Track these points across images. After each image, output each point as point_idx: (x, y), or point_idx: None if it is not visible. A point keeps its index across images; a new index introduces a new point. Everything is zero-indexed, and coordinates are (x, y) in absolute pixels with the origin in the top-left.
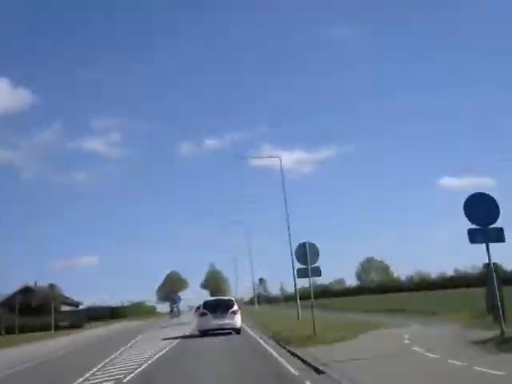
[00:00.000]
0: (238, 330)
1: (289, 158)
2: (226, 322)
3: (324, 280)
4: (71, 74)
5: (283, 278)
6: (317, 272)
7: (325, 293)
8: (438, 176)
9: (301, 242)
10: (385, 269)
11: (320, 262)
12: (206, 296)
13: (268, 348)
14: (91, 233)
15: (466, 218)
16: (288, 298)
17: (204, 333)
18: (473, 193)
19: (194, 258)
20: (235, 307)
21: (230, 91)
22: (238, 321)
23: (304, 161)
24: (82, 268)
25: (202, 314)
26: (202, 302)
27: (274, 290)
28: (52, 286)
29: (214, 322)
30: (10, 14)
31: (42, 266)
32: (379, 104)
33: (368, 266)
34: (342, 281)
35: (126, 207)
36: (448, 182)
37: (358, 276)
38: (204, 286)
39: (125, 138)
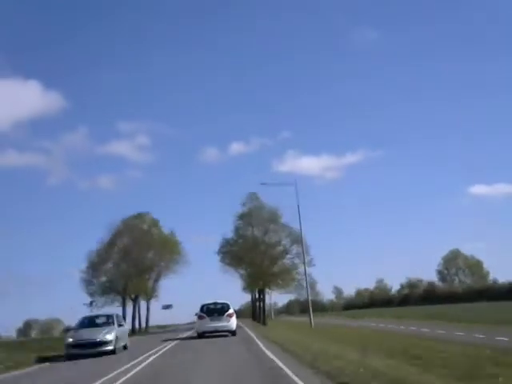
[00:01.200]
0: (233, 332)
1: (316, 163)
2: (222, 324)
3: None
4: (99, 78)
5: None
6: None
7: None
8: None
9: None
10: (476, 266)
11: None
12: None
13: None
14: None
15: None
16: (348, 306)
17: (201, 335)
18: None
19: None
20: (231, 311)
21: (256, 95)
22: (233, 323)
23: (331, 166)
24: None
25: (200, 317)
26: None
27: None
28: None
29: (211, 324)
30: (40, 16)
31: (65, 272)
32: (408, 108)
33: (454, 261)
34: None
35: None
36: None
37: (442, 276)
38: None
39: (151, 142)
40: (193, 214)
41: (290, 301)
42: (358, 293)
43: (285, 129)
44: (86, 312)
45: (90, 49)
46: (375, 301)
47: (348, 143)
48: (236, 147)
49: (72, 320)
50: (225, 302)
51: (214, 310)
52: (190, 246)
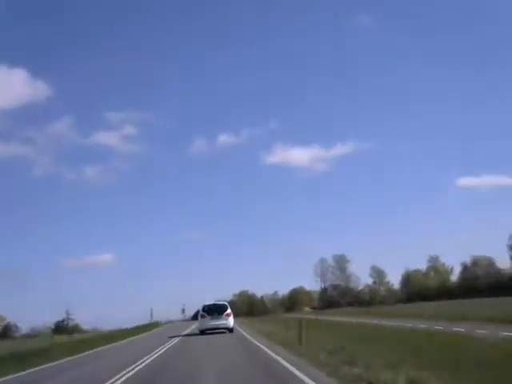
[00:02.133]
0: (231, 330)
1: (304, 154)
2: (221, 322)
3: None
4: (87, 67)
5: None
6: None
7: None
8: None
9: None
10: None
11: None
12: None
13: None
14: (104, 231)
15: None
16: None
17: (203, 331)
18: None
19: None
20: (228, 310)
21: (244, 86)
22: (231, 322)
23: (320, 158)
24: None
25: (202, 316)
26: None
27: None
28: None
29: (211, 322)
30: (27, 3)
31: (53, 264)
32: (398, 99)
33: None
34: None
35: (138, 204)
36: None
37: None
38: None
39: (139, 132)
40: (181, 207)
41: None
42: (410, 276)
43: (273, 119)
44: None
45: (77, 38)
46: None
47: (338, 134)
48: (225, 138)
49: None
50: (224, 302)
51: (214, 310)
52: (177, 240)
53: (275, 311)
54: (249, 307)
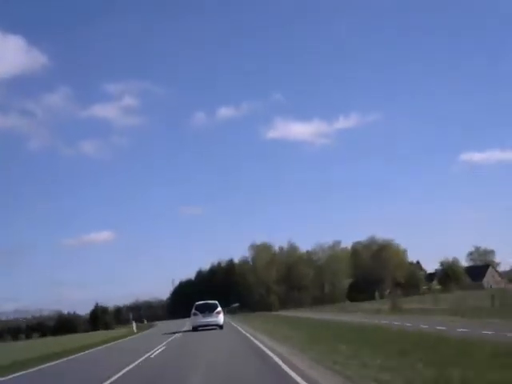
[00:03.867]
0: (221, 326)
1: (306, 128)
2: (212, 319)
3: None
4: (86, 35)
5: None
6: None
7: None
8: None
9: None
10: None
11: None
12: None
13: None
14: (103, 208)
15: None
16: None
17: (195, 328)
18: None
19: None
20: (219, 309)
21: (246, 58)
22: (221, 319)
23: (322, 131)
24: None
25: (194, 314)
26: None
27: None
28: None
29: (203, 319)
30: None
31: (51, 242)
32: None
33: None
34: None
35: (135, 179)
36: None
37: None
38: None
39: (139, 103)
40: (180, 182)
41: None
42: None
43: (274, 93)
44: None
45: (77, 4)
46: None
47: (340, 106)
48: (225, 111)
49: None
50: (214, 301)
51: (206, 308)
52: (176, 216)
53: None
54: None
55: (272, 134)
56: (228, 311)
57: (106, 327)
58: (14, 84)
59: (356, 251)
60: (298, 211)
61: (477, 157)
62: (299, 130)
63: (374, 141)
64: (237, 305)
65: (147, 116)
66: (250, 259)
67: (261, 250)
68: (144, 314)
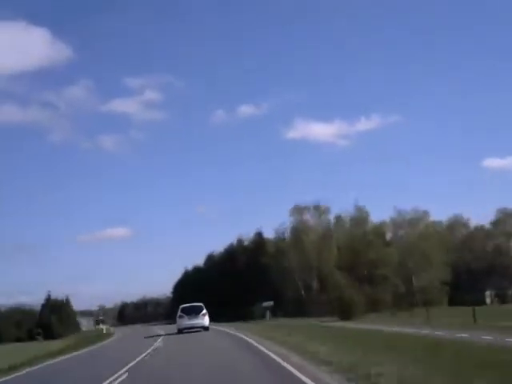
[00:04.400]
0: (206, 328)
1: (326, 129)
2: (198, 321)
3: None
4: (110, 28)
5: None
6: None
7: None
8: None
9: None
10: None
11: None
12: None
13: None
14: (119, 203)
15: None
16: None
17: (181, 331)
18: None
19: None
20: (204, 311)
21: (270, 56)
22: (206, 321)
23: (343, 132)
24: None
25: (180, 316)
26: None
27: None
28: None
29: (188, 322)
30: None
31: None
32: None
33: None
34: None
35: (153, 176)
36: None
37: None
38: None
39: (159, 98)
40: (198, 180)
41: None
42: None
43: (296, 91)
44: None
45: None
46: None
47: (362, 107)
48: (245, 109)
49: None
50: (200, 304)
51: (192, 310)
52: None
53: None
54: None
55: (292, 134)
56: (254, 314)
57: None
58: (37, 76)
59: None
60: None
61: (499, 162)
62: (320, 130)
63: (395, 143)
64: (269, 304)
65: (167, 111)
66: (290, 232)
67: (312, 215)
68: (149, 312)
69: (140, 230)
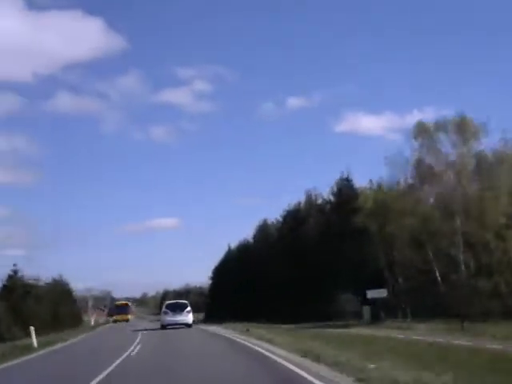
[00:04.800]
0: (190, 325)
1: (377, 122)
2: (181, 318)
3: None
4: (162, 18)
5: None
6: None
7: None
8: None
9: None
10: None
11: None
12: None
13: None
14: (169, 194)
15: None
16: None
17: (164, 327)
18: None
19: None
20: (189, 308)
21: (321, 48)
22: (190, 318)
23: (394, 126)
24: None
25: (165, 313)
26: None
27: None
28: None
29: (172, 318)
30: None
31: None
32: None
33: None
34: None
35: (204, 166)
36: None
37: None
38: None
39: (209, 90)
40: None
41: None
42: None
43: (346, 83)
44: None
45: None
46: None
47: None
48: (294, 102)
49: None
50: (185, 301)
51: (177, 307)
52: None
53: None
54: None
55: (341, 127)
56: (337, 312)
57: None
58: (90, 66)
59: None
60: None
61: None
62: (370, 123)
63: None
64: (379, 294)
65: (217, 102)
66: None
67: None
68: (192, 300)
69: (188, 220)
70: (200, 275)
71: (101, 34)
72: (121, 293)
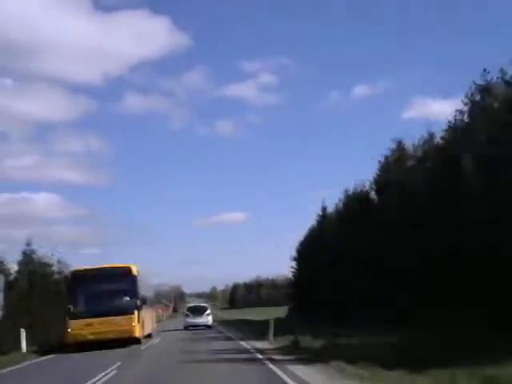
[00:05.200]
0: (209, 326)
1: (447, 106)
2: (202, 320)
3: None
4: (225, 14)
5: None
6: None
7: None
8: None
9: None
10: None
11: None
12: None
13: None
14: (235, 189)
15: None
16: None
17: (187, 328)
18: None
19: None
20: (208, 311)
21: (385, 34)
22: (210, 320)
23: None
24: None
25: (187, 315)
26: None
27: None
28: None
29: (194, 320)
30: None
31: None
32: None
33: None
34: None
35: (268, 160)
36: None
37: None
38: None
39: (273, 82)
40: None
41: None
42: None
43: (414, 68)
44: None
45: None
46: None
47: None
48: (360, 90)
49: None
50: (205, 305)
51: (197, 310)
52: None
53: None
54: None
55: (409, 113)
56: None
57: None
58: (157, 65)
59: None
60: None
61: None
62: (440, 108)
63: None
64: None
65: (282, 94)
66: None
67: None
68: (263, 294)
69: (256, 213)
70: (271, 267)
71: (167, 33)
72: (191, 288)
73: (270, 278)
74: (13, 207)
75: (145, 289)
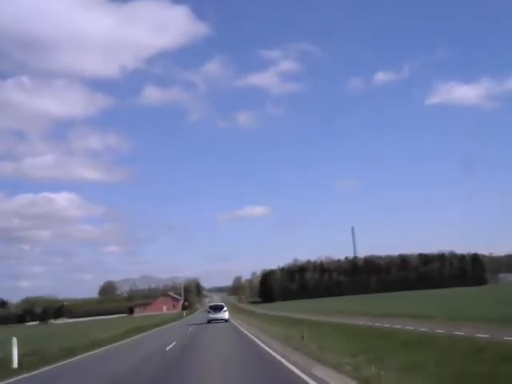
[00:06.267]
0: (226, 320)
1: (472, 90)
2: (220, 315)
3: None
4: (244, 2)
5: None
6: None
7: None
8: None
9: None
10: None
11: None
12: None
13: None
14: (257, 182)
15: None
16: None
17: (209, 321)
18: None
19: None
20: (225, 308)
21: (407, 16)
22: (227, 315)
23: (490, 94)
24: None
25: (209, 312)
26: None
27: None
28: None
29: (214, 315)
30: None
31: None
32: None
33: None
34: None
35: (290, 152)
36: None
37: None
38: None
39: (295, 69)
40: (336, 154)
41: None
42: None
43: (437, 52)
44: None
45: None
46: None
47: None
48: (382, 76)
49: None
50: (222, 303)
51: (216, 308)
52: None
53: None
54: None
55: (433, 99)
56: None
57: None
58: (176, 55)
59: None
60: None
61: None
62: (463, 93)
63: None
64: None
65: (304, 81)
66: None
67: None
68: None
69: (278, 207)
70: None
71: (186, 22)
72: (213, 282)
73: (314, 260)
74: (35, 208)
75: None
